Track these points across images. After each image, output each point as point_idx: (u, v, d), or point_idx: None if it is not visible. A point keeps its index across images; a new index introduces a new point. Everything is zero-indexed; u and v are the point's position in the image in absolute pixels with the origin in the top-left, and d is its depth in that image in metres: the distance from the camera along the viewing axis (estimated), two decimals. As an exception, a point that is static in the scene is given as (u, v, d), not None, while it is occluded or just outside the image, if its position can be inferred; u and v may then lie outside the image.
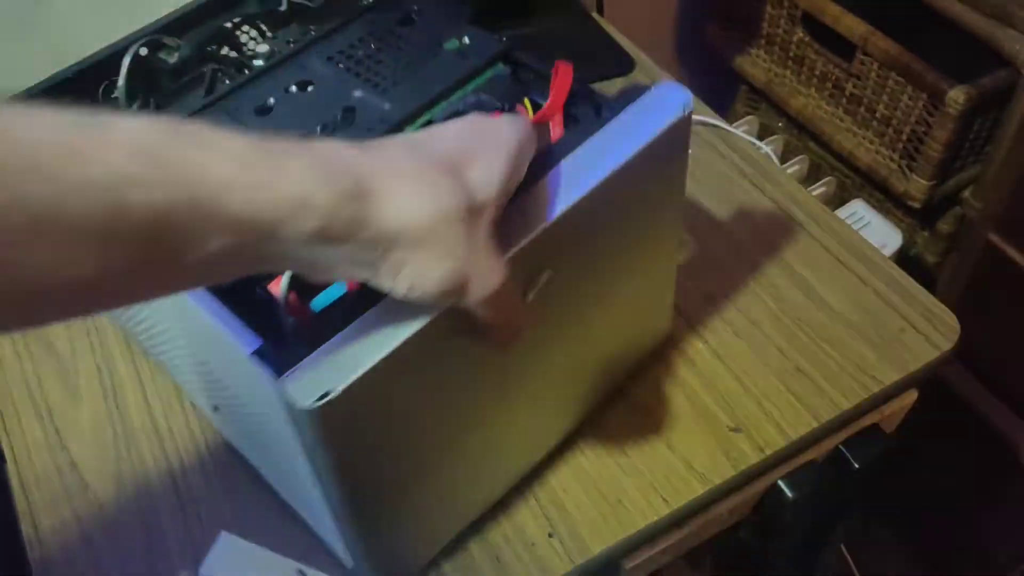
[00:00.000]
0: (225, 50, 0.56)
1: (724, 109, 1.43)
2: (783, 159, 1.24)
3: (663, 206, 0.54)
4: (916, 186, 1.09)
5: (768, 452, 0.59)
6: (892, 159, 1.12)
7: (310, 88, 0.51)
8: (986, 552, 1.18)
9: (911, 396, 0.66)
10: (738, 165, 0.78)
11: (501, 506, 0.57)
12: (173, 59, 0.54)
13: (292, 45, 0.55)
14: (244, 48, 0.57)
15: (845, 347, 0.64)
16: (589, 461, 0.59)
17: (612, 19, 0.99)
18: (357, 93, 0.50)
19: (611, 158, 0.45)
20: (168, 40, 0.54)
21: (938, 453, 1.15)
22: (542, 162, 0.43)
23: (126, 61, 0.52)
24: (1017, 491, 1.03)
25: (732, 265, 0.70)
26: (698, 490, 0.58)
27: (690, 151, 0.79)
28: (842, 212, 1.09)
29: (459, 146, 0.37)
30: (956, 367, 1.05)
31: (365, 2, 0.56)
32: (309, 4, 0.56)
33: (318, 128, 0.49)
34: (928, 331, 0.65)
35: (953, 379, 1.05)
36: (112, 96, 0.52)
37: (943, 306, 0.67)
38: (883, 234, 1.06)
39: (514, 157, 0.38)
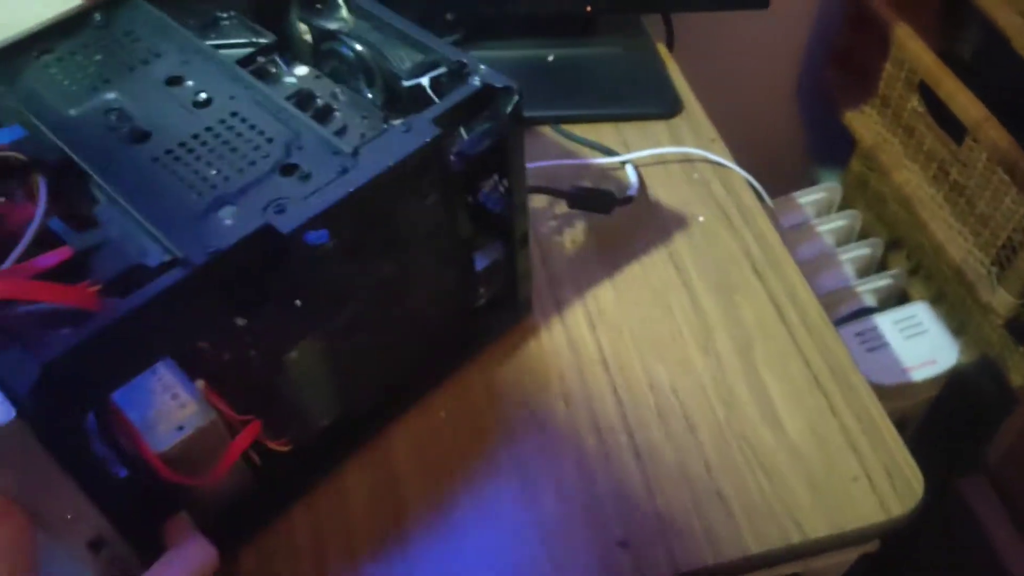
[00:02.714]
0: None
1: (839, 163, 1.31)
2: (860, 235, 1.13)
3: None
4: (1001, 301, 0.95)
5: (647, 580, 0.53)
6: (983, 263, 0.99)
7: (205, 105, 0.51)
8: None
9: (851, 554, 0.58)
10: (747, 245, 0.70)
11: None
12: None
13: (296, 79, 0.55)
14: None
15: (782, 481, 0.57)
16: (437, 530, 0.55)
17: (688, 53, 0.92)
18: (175, 138, 0.49)
19: None
20: None
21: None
22: None
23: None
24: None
25: (692, 354, 0.63)
26: (558, 600, 0.53)
27: (700, 219, 0.72)
28: (897, 313, 0.97)
29: None
30: (996, 513, 0.93)
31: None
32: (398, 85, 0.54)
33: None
34: (884, 489, 0.56)
35: (994, 532, 0.92)
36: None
37: (913, 464, 0.57)
38: (936, 347, 0.93)
39: None
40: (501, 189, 0.57)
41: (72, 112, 0.50)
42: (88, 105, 0.51)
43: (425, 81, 0.53)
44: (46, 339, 0.40)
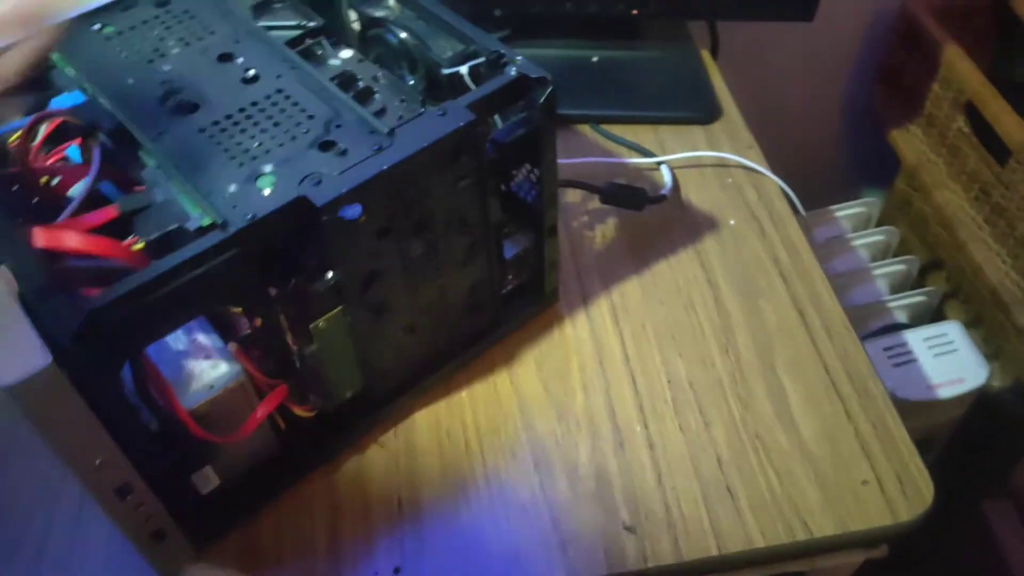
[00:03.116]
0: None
1: (883, 181, 1.30)
2: (897, 252, 1.12)
3: None
4: (1037, 324, 0.95)
5: (651, 565, 0.54)
6: (1019, 286, 0.98)
7: (252, 81, 0.54)
8: None
9: (857, 557, 0.58)
10: (775, 251, 0.71)
11: None
12: None
13: (341, 61, 0.57)
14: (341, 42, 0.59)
15: (791, 480, 0.57)
16: (450, 506, 0.57)
17: (732, 61, 0.93)
18: (222, 111, 0.52)
19: None
20: None
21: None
22: None
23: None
24: None
25: (712, 352, 0.64)
26: (560, 579, 0.54)
27: (731, 223, 0.73)
28: (927, 330, 0.97)
29: None
30: (1019, 538, 0.92)
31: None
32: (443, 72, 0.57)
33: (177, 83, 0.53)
34: (893, 494, 0.57)
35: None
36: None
37: (925, 472, 0.58)
38: (965, 366, 0.93)
39: None
40: (533, 179, 0.58)
41: (128, 82, 0.53)
42: (143, 76, 0.54)
43: (464, 70, 0.56)
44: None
